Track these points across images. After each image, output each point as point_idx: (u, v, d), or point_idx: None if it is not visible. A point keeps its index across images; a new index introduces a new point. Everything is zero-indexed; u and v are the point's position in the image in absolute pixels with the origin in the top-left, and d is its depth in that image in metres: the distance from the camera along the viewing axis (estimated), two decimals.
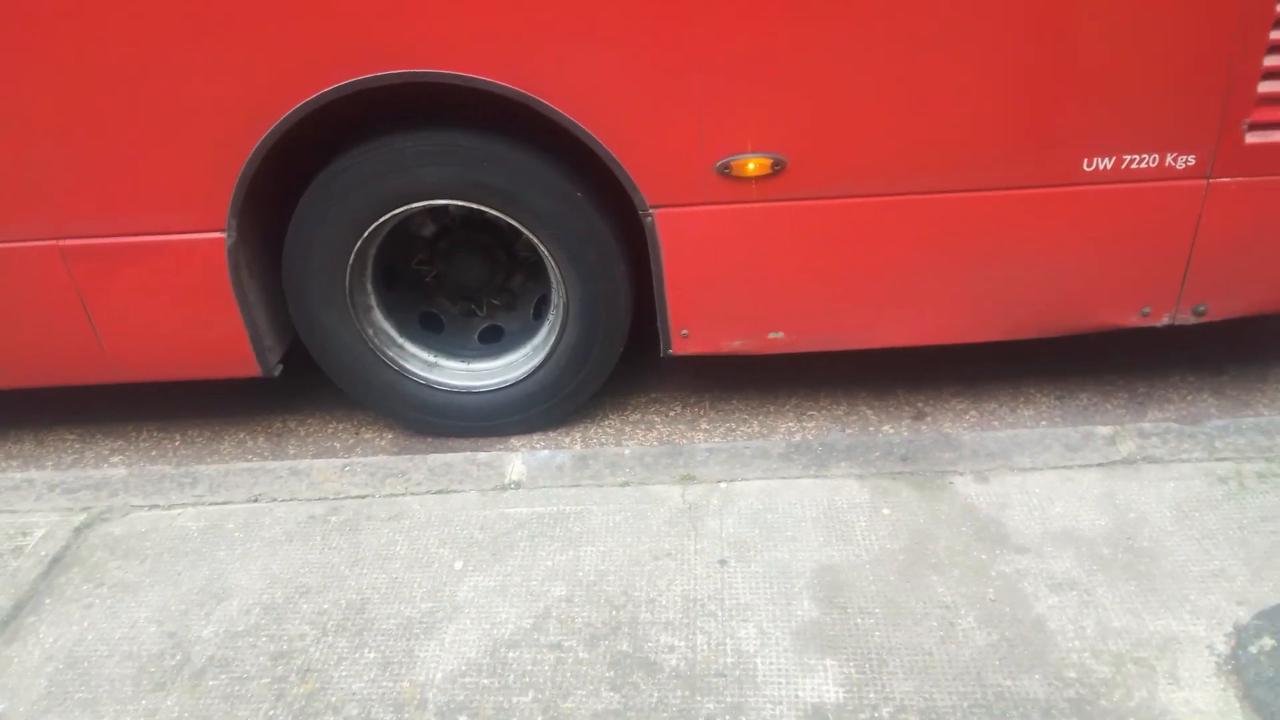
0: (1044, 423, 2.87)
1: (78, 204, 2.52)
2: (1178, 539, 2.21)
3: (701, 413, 3.04)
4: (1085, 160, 2.45)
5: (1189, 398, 2.92)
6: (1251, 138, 2.41)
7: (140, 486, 2.65)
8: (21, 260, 2.60)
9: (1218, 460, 2.43)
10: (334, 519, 2.45)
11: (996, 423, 2.89)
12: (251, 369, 2.78)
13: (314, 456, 2.95)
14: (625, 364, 3.01)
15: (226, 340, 2.71)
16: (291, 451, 3.00)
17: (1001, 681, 1.91)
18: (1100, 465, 2.45)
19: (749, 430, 2.94)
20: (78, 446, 3.15)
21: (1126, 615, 2.03)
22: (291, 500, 2.53)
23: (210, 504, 2.55)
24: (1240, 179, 2.46)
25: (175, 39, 2.31)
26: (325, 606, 2.19)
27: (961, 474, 2.47)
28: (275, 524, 2.46)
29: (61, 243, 2.58)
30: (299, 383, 3.16)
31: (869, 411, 2.98)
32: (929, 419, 2.92)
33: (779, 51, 2.32)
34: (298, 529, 2.43)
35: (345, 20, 2.29)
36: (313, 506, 2.51)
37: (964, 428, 2.86)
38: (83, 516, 2.56)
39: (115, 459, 3.08)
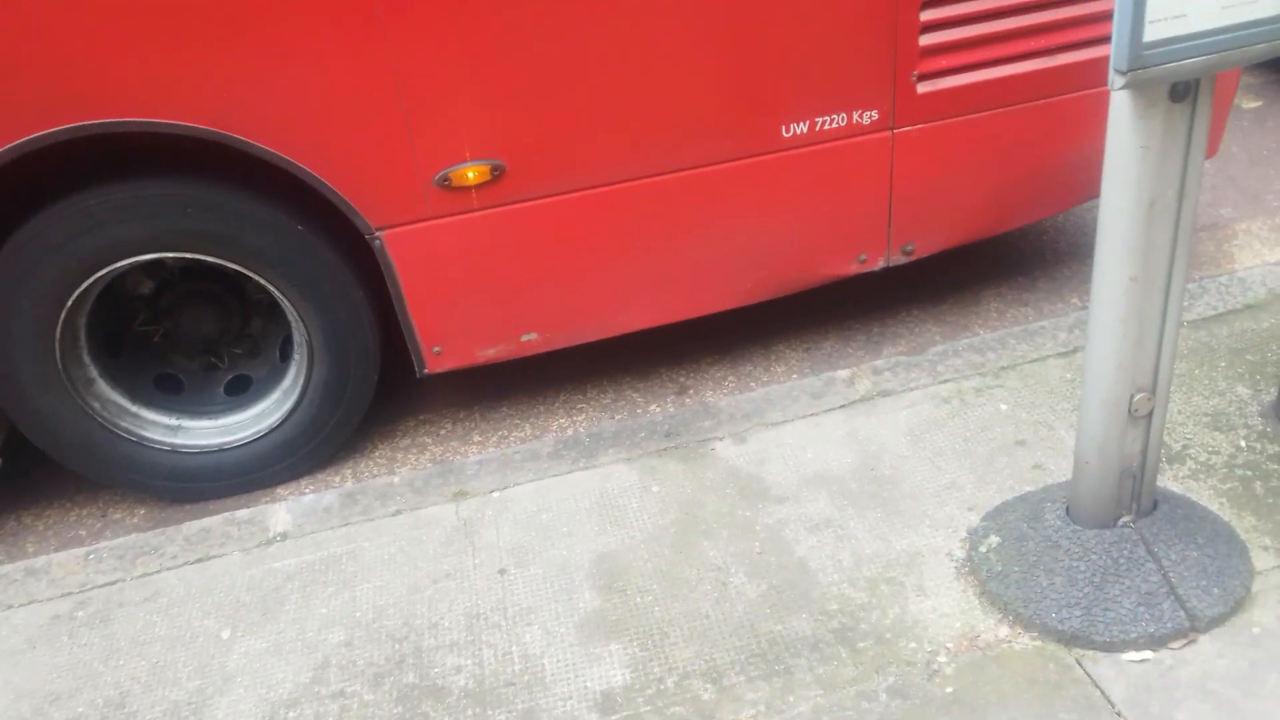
0: (794, 376, 3.04)
1: None
2: (913, 462, 2.40)
3: (473, 425, 3.02)
4: (784, 127, 2.60)
5: (916, 330, 3.17)
6: (922, 88, 2.63)
7: None
8: None
9: (941, 383, 2.66)
10: (81, 614, 2.27)
11: (753, 384, 3.03)
12: None
13: (57, 549, 2.71)
14: (389, 391, 2.94)
15: None
16: (31, 549, 2.74)
17: (773, 628, 2.01)
18: (842, 407, 2.62)
19: (522, 434, 2.95)
20: None
21: (876, 541, 2.19)
22: (30, 603, 2.32)
23: None
24: (919, 126, 2.69)
25: None
26: (80, 710, 2.02)
27: (721, 439, 2.58)
28: (14, 633, 2.24)
29: None
30: (29, 473, 2.89)
31: (635, 394, 3.05)
32: (691, 392, 3.03)
33: (480, 55, 2.32)
34: (40, 633, 2.23)
35: (19, 75, 2.10)
36: (56, 605, 2.30)
37: (724, 394, 2.99)
38: None
39: None
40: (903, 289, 3.33)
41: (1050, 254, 3.51)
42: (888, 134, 2.68)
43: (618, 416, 2.96)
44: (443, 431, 3.00)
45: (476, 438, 2.96)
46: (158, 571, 2.36)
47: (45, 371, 2.49)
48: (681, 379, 3.09)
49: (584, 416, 2.99)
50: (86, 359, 2.60)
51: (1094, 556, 1.93)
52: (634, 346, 3.11)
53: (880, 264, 2.89)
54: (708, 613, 2.07)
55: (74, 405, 2.56)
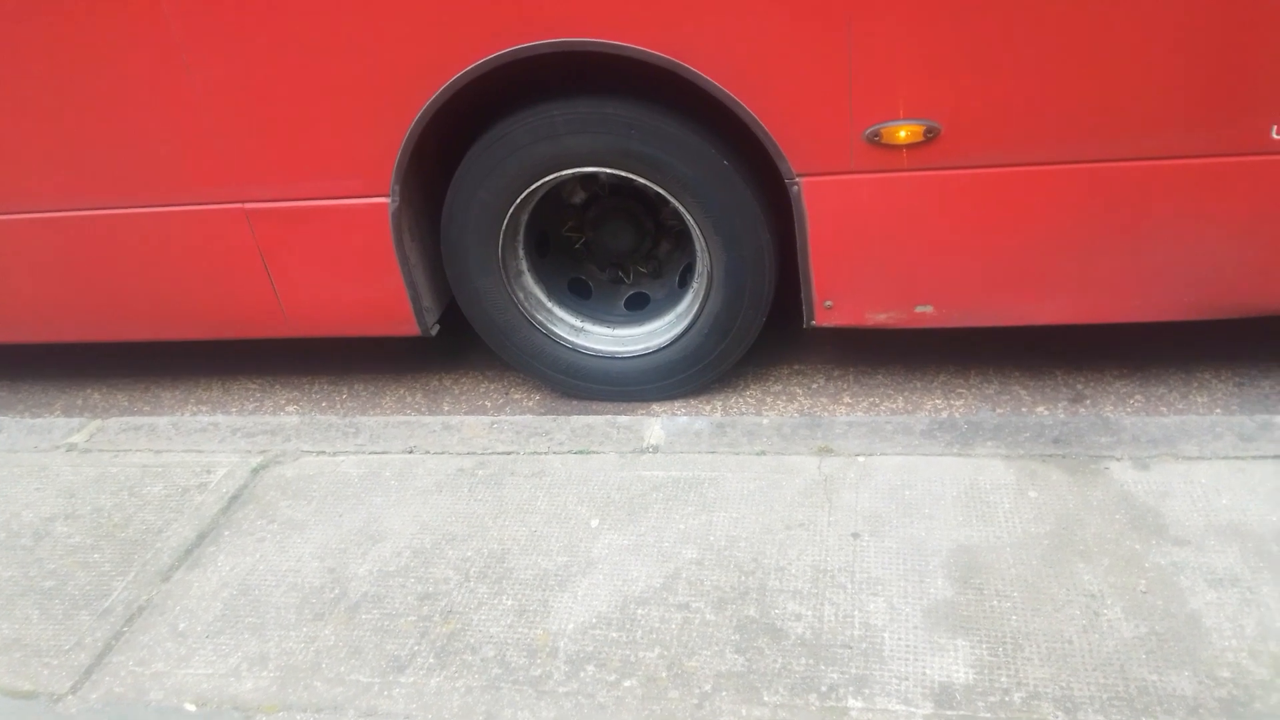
0: (1219, 410, 2.67)
1: (261, 170, 2.72)
2: None
3: (845, 386, 3.00)
4: (1275, 127, 2.25)
5: None
6: None
7: (310, 434, 2.86)
8: (212, 222, 2.84)
9: None
10: (480, 473, 2.58)
11: (1165, 408, 2.71)
12: (411, 328, 2.94)
13: (466, 413, 3.10)
14: (769, 334, 3.00)
15: (389, 301, 2.88)
16: (446, 408, 3.16)
17: (1147, 676, 1.82)
18: (1277, 457, 2.27)
19: (893, 405, 2.88)
20: (258, 395, 3.43)
21: None
22: (443, 453, 2.67)
23: (370, 453, 2.73)
24: None
25: (344, 18, 2.45)
26: (469, 554, 2.31)
27: (1119, 459, 2.34)
28: (427, 474, 2.60)
29: (247, 206, 2.80)
30: (455, 343, 3.32)
31: (1022, 391, 2.86)
32: (1088, 402, 2.78)
33: (931, 11, 2.23)
34: (447, 480, 2.57)
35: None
36: (461, 460, 2.64)
37: (1127, 412, 2.71)
38: (259, 459, 2.79)
39: (290, 408, 3.33)
40: None
41: None
42: None
43: (1000, 410, 2.80)
44: (815, 386, 3.01)
45: (846, 399, 2.94)
46: (545, 453, 2.62)
47: (487, 257, 2.82)
48: (1078, 386, 2.84)
49: (962, 403, 2.85)
50: (521, 253, 2.90)
51: None
52: (1028, 341, 2.90)
53: None
54: (1072, 638, 1.91)
55: (504, 291, 2.89)
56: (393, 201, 2.69)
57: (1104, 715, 1.76)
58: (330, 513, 2.53)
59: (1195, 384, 2.78)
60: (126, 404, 3.50)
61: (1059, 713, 1.77)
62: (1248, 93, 2.22)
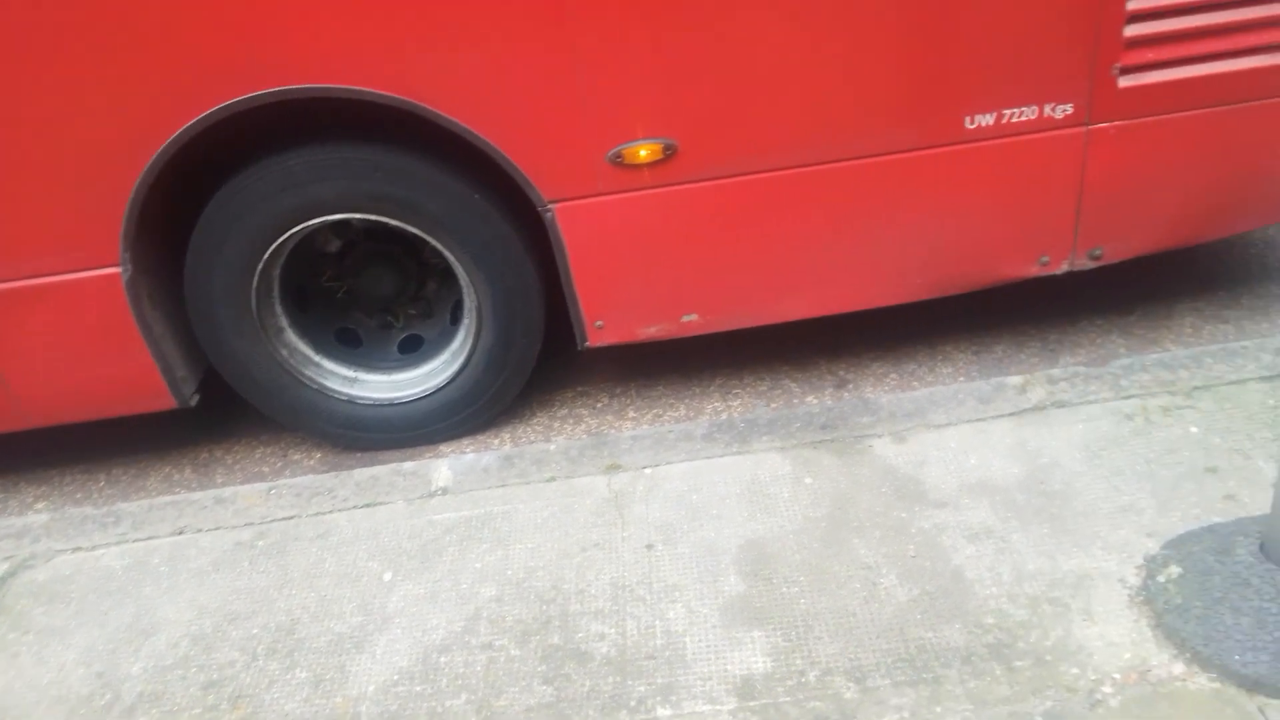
0: (961, 378, 2.92)
1: None
2: (1088, 479, 2.27)
3: (628, 401, 3.05)
4: (967, 118, 2.49)
5: (1098, 340, 2.99)
6: (1124, 81, 2.47)
7: (63, 530, 2.61)
8: None
9: (1124, 398, 2.50)
10: (261, 543, 2.44)
11: (916, 383, 2.93)
12: (167, 401, 2.75)
13: (241, 483, 2.92)
14: (550, 360, 3.02)
15: (137, 375, 2.67)
16: (219, 480, 2.96)
17: (923, 634, 1.95)
18: (1012, 414, 2.51)
19: (676, 414, 2.97)
20: (0, 497, 3.09)
21: (1041, 558, 2.08)
22: (217, 529, 2.51)
23: (134, 541, 2.52)
24: (1118, 123, 2.52)
25: (49, 83, 2.27)
26: (254, 631, 2.18)
27: (880, 436, 2.51)
28: (201, 554, 2.43)
29: None
30: (223, 410, 3.13)
31: (792, 384, 3.01)
32: (850, 386, 2.96)
33: (658, 34, 2.33)
34: (224, 557, 2.41)
35: (221, 42, 2.26)
36: (239, 533, 2.48)
37: (884, 391, 2.91)
38: (5, 566, 2.51)
39: (39, 505, 3.02)
40: (1086, 296, 3.15)
41: (1258, 268, 3.24)
42: (1082, 130, 2.53)
43: (773, 405, 2.94)
44: (599, 405, 3.05)
45: (631, 414, 3.00)
46: (330, 512, 2.51)
47: (240, 317, 2.68)
48: (841, 372, 3.03)
49: (739, 402, 2.97)
50: (278, 309, 2.77)
51: None
52: (793, 336, 3.07)
53: (1063, 267, 2.74)
54: (855, 611, 2.03)
55: (265, 350, 2.75)
56: (125, 270, 2.51)
57: (890, 679, 1.87)
58: (94, 612, 2.31)
59: (940, 357, 3.03)
60: None
61: (850, 684, 1.87)
62: (942, 91, 2.45)
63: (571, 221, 2.55)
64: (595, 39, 2.31)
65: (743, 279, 2.68)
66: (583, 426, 2.97)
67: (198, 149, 2.42)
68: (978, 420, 2.51)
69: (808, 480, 2.40)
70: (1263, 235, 3.40)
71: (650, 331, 2.76)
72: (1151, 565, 2.01)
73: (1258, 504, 2.10)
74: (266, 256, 2.61)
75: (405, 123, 2.44)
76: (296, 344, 2.83)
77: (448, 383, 2.86)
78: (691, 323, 2.76)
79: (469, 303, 2.77)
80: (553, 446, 2.65)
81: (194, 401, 2.79)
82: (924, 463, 2.40)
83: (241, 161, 2.52)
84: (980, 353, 3.03)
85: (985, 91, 2.46)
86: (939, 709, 1.79)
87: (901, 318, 3.03)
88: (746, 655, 1.97)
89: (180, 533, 2.52)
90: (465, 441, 2.93)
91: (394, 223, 2.60)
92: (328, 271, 2.91)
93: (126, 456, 3.16)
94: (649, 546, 2.27)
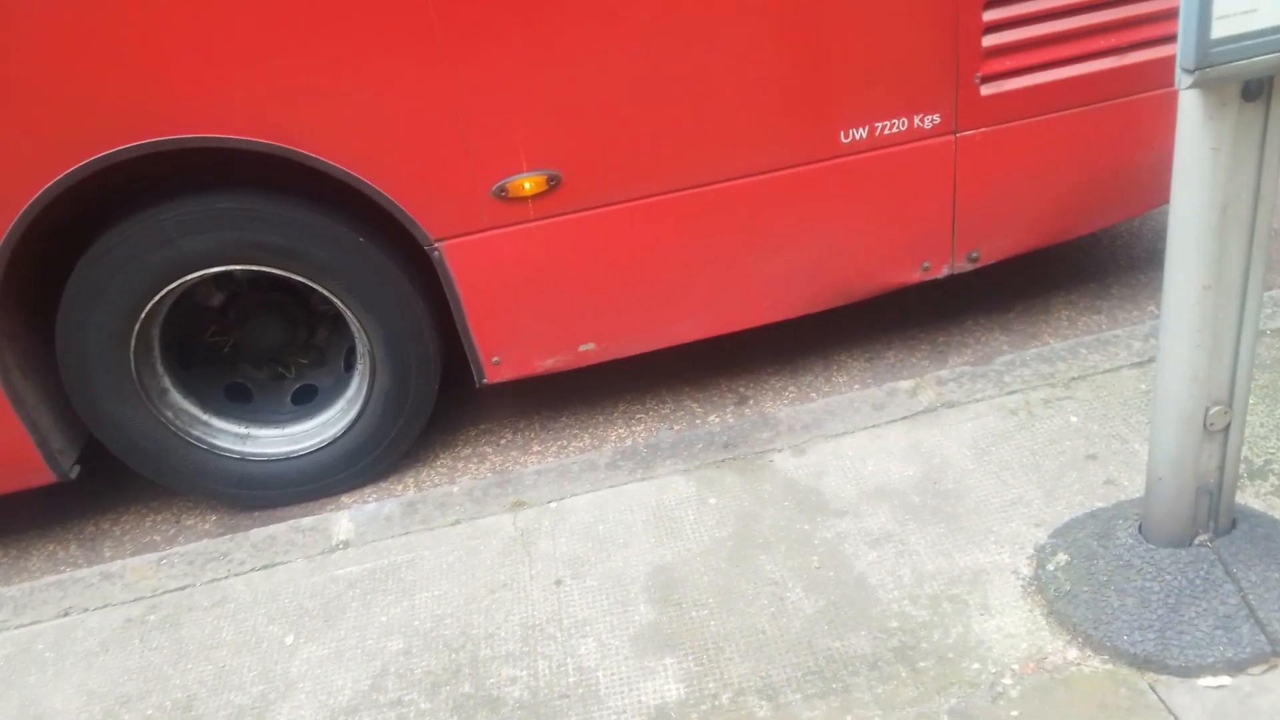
0: (856, 386, 2.98)
1: None
2: (978, 475, 2.33)
3: (533, 435, 3.03)
4: (842, 133, 2.56)
5: (982, 339, 3.09)
6: (986, 90, 2.57)
7: None
8: None
9: (1007, 394, 2.58)
10: (152, 618, 2.33)
11: (814, 394, 2.98)
12: (45, 476, 2.62)
13: (132, 554, 2.80)
14: (452, 399, 2.97)
15: (10, 450, 2.54)
16: (107, 554, 2.83)
17: (831, 644, 1.97)
18: (904, 418, 2.56)
19: (581, 445, 2.95)
20: None
21: (939, 557, 2.13)
22: (105, 607, 2.39)
23: (16, 628, 2.39)
24: (983, 130, 2.62)
25: None
26: (148, 712, 2.08)
27: (780, 450, 2.54)
28: (88, 635, 2.32)
29: None
30: (108, 479, 2.99)
31: (694, 405, 3.03)
32: (751, 402, 3.00)
33: (535, 66, 2.33)
34: (113, 636, 2.30)
35: (88, 95, 2.19)
36: (129, 609, 2.37)
37: (783, 404, 2.95)
38: None
39: None
40: (969, 297, 3.25)
41: (1125, 259, 3.39)
42: (950, 138, 2.62)
43: (676, 427, 2.95)
44: (503, 441, 3.02)
45: (536, 447, 2.97)
46: (226, 577, 2.42)
47: (120, 381, 2.58)
48: (741, 389, 3.06)
49: (643, 427, 2.98)
50: (160, 369, 2.68)
51: (1168, 577, 1.85)
52: (694, 357, 3.09)
53: (944, 271, 2.83)
54: (764, 628, 2.04)
55: (148, 414, 2.65)
56: None
57: (801, 693, 1.89)
58: None
59: (835, 366, 3.09)
60: None
61: (763, 702, 1.88)
62: (816, 108, 2.51)
63: (459, 259, 2.52)
64: (472, 74, 2.31)
65: (636, 304, 2.70)
66: (487, 464, 2.94)
67: (64, 206, 2.33)
68: (873, 426, 2.56)
69: (712, 501, 2.41)
70: (1128, 227, 3.57)
71: (548, 363, 2.75)
72: (1041, 555, 2.07)
73: (1135, 487, 2.19)
74: (143, 316, 2.51)
75: (284, 169, 2.38)
76: (182, 404, 2.73)
77: (345, 431, 2.79)
78: (589, 351, 2.75)
79: (361, 347, 2.71)
80: (456, 488, 2.61)
81: (74, 474, 2.66)
82: (823, 473, 2.43)
83: (110, 218, 2.43)
84: (873, 359, 3.10)
85: (857, 106, 2.53)
86: (849, 718, 1.81)
87: (797, 331, 3.09)
88: (659, 684, 1.96)
89: (66, 614, 2.40)
90: (368, 490, 2.87)
91: (278, 271, 2.54)
92: (211, 326, 2.82)
93: (6, 536, 3.00)
94: (558, 582, 2.25)
